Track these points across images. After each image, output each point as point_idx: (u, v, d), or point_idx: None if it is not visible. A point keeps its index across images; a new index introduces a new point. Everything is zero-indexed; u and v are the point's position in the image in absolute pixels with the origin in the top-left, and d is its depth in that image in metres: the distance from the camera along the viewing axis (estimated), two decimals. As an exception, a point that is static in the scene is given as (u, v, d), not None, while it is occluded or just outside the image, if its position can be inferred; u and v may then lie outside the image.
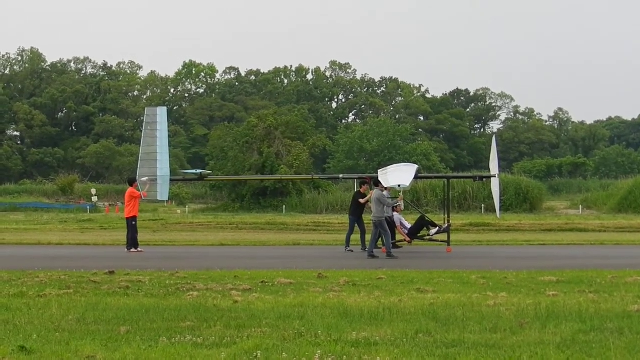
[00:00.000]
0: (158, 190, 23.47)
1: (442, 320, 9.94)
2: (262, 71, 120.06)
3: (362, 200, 22.59)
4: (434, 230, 23.23)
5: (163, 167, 23.52)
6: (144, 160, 23.61)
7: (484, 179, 26.45)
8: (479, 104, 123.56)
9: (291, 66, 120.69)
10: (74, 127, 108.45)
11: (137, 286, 13.57)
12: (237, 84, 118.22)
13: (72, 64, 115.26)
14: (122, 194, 35.43)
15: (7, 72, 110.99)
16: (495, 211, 27.34)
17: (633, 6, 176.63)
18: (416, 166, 24.33)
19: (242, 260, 19.06)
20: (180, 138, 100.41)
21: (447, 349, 8.33)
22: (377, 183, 21.68)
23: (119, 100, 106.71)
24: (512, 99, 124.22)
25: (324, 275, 15.09)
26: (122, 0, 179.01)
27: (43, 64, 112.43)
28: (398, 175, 21.41)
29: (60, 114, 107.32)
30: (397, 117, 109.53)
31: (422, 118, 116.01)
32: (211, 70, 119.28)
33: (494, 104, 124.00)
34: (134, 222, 22.86)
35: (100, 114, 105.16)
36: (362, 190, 22.96)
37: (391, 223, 22.24)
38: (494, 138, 25.11)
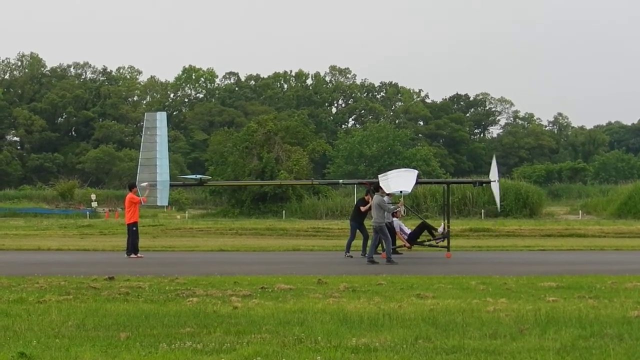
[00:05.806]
0: (158, 195, 23.46)
1: (442, 326, 9.93)
2: (261, 76, 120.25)
3: (362, 208, 22.57)
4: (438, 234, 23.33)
5: (163, 172, 23.49)
6: (144, 166, 23.59)
7: (484, 184, 26.46)
8: (479, 108, 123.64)
9: (291, 71, 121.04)
10: (73, 132, 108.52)
11: (136, 292, 13.56)
12: (236, 88, 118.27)
13: (71, 69, 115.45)
14: (121, 199, 35.39)
15: (6, 77, 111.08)
16: (495, 210, 27.24)
17: (633, 11, 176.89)
18: (416, 171, 24.29)
19: (241, 266, 19.05)
20: (179, 143, 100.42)
21: (447, 355, 8.33)
22: (377, 188, 21.65)
23: (119, 105, 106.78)
24: (511, 104, 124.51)
25: (324, 281, 15.08)
26: (122, 6, 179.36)
27: (43, 69, 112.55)
28: (399, 181, 21.39)
29: (59, 119, 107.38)
30: (396, 122, 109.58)
31: (421, 123, 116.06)
32: (211, 75, 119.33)
33: (493, 109, 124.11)
34: (134, 228, 22.84)
35: (100, 119, 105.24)
36: (366, 198, 22.89)
37: (391, 229, 22.23)
38: (494, 159, 24.75)
